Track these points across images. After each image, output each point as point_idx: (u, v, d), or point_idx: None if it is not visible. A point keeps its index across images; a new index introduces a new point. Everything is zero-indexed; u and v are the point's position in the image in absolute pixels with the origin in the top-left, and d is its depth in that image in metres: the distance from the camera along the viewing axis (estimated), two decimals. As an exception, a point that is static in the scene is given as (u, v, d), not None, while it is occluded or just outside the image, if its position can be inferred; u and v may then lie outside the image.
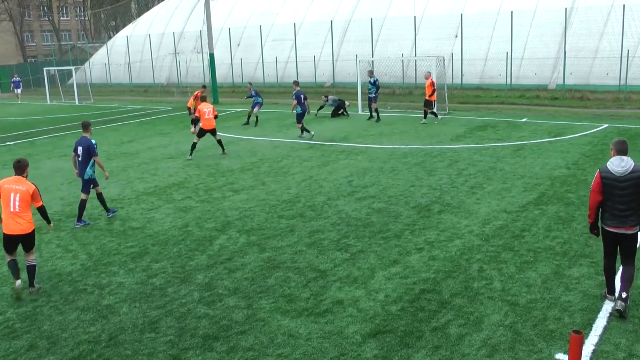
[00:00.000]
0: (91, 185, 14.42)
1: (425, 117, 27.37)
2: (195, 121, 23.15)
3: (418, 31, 42.11)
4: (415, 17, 42.09)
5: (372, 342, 8.06)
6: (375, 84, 28.47)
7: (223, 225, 13.49)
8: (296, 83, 25.74)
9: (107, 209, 14.82)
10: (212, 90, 40.59)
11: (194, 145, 21.63)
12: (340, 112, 30.79)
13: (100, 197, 14.66)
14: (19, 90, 53.89)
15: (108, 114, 32.99)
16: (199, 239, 12.68)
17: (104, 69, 62.27)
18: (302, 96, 24.63)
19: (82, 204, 14.36)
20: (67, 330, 9.08)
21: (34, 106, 46.96)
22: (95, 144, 14.20)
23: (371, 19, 43.22)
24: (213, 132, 21.55)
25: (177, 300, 9.76)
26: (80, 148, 14.21)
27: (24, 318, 9.64)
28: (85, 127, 14.47)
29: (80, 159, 14.24)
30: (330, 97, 31.72)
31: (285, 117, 30.89)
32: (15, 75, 56.67)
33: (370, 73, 28.85)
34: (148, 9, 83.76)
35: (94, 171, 14.39)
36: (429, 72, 27.65)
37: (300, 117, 24.66)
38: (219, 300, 9.66)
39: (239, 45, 51.11)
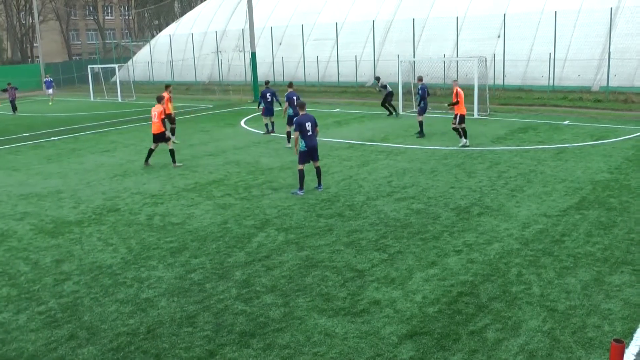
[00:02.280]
0: (305, 156, 15.87)
1: (462, 137, 21.93)
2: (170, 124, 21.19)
3: (460, 32, 41.79)
4: (457, 17, 41.77)
5: (409, 343, 8.03)
6: (422, 91, 24.81)
7: (262, 223, 13.57)
8: (290, 84, 24.66)
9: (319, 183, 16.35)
10: (253, 89, 40.83)
11: (149, 152, 20.54)
12: (388, 104, 30.09)
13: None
14: (51, 91, 50.84)
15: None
16: (237, 236, 12.77)
17: (146, 67, 63.03)
18: (294, 98, 23.00)
19: (300, 174, 15.99)
20: (106, 321, 9.24)
21: (78, 103, 47.78)
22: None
23: (413, 20, 43.02)
24: (160, 137, 20.27)
25: (214, 296, 9.85)
26: (308, 124, 15.87)
27: (65, 308, 9.84)
28: (302, 106, 16.51)
29: (310, 133, 15.81)
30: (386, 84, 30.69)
31: (326, 116, 30.90)
32: (47, 76, 54.54)
33: (420, 79, 25.78)
34: (191, 8, 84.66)
35: (304, 145, 15.76)
36: (456, 81, 24.98)
37: (291, 120, 22.59)
38: (256, 297, 9.72)
39: (280, 44, 51.31)
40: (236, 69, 52.13)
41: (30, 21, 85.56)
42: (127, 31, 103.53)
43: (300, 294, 9.71)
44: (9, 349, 8.70)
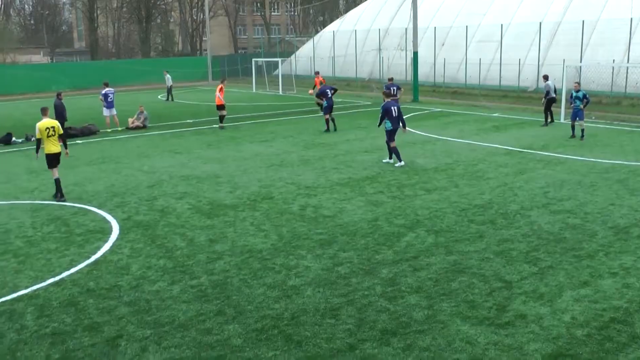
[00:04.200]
0: (391, 135, 19.45)
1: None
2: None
3: (633, 35, 39.10)
4: (631, 18, 39.11)
5: (553, 363, 7.65)
6: (585, 97, 24.49)
7: (412, 223, 13.45)
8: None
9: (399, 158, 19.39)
10: (413, 89, 40.62)
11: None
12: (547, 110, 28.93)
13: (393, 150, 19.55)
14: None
15: (309, 104, 34.07)
16: (387, 234, 12.73)
17: (308, 62, 64.28)
18: (329, 90, 27.43)
19: (394, 150, 19.58)
20: (253, 303, 9.53)
21: (240, 94, 49.57)
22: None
23: (582, 22, 40.78)
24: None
25: (359, 291, 9.87)
26: (394, 108, 19.52)
27: (215, 285, 10.26)
28: (387, 94, 20.56)
29: (396, 114, 19.47)
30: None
31: (485, 120, 30.22)
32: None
33: (577, 85, 25.50)
34: (356, 5, 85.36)
35: (390, 125, 19.39)
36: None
37: (327, 110, 27.21)
38: (401, 296, 9.64)
39: (443, 44, 50.63)
40: (396, 68, 51.99)
41: (201, 17, 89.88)
42: (291, 27, 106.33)
43: (445, 298, 9.53)
44: (162, 316, 9.21)
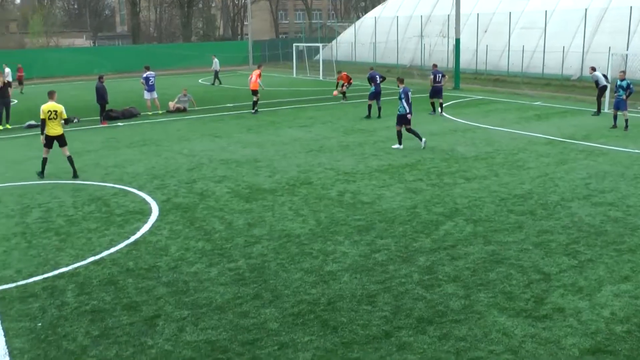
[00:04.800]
0: (401, 120, 19.96)
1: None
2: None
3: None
4: (683, 3, 37.90)
5: (590, 359, 7.52)
6: (628, 87, 23.93)
7: (451, 212, 13.33)
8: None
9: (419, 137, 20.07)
10: (455, 76, 40.20)
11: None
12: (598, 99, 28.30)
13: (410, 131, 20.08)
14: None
15: (348, 91, 33.92)
16: (425, 222, 12.64)
17: (350, 47, 64.10)
18: (378, 76, 27.96)
19: (398, 134, 20.17)
20: (290, 287, 9.56)
21: (280, 78, 49.64)
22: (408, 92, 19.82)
23: (630, 7, 39.71)
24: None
25: (396, 279, 9.83)
26: (410, 94, 19.87)
27: (252, 269, 10.31)
28: (401, 81, 20.67)
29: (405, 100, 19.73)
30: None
31: (526, 108, 29.78)
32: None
33: (623, 74, 24.90)
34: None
35: (404, 111, 19.77)
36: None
37: (372, 95, 27.69)
38: (438, 285, 9.57)
39: (485, 31, 49.98)
40: (438, 55, 51.51)
41: (243, 1, 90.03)
42: (333, 12, 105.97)
43: (483, 289, 9.43)
44: (200, 297, 9.30)
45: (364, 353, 7.65)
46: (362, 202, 14.16)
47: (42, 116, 16.94)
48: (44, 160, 17.31)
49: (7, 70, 40.94)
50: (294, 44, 56.27)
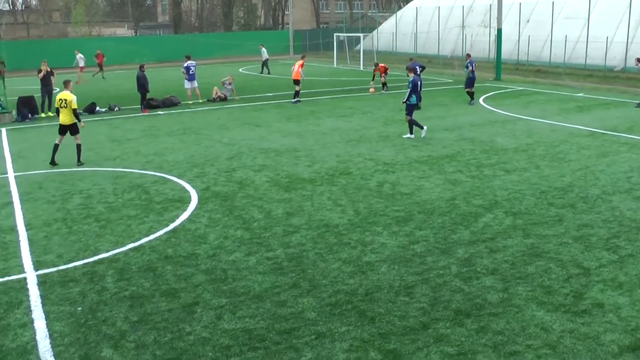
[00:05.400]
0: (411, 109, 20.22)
1: None
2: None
3: None
4: None
5: (630, 356, 7.35)
6: None
7: (490, 204, 13.19)
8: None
9: (420, 125, 20.35)
10: (496, 67, 39.71)
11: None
12: None
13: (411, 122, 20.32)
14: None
15: (390, 81, 33.76)
16: (464, 214, 12.53)
17: (390, 37, 63.74)
18: (417, 67, 27.12)
19: (412, 122, 20.31)
20: (327, 277, 9.56)
21: (320, 68, 49.57)
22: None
23: (677, -3, 38.81)
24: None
25: (434, 270, 9.77)
26: (420, 84, 20.64)
27: (291, 258, 10.34)
28: (410, 70, 21.55)
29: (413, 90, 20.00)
30: None
31: (568, 99, 29.30)
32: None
33: None
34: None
35: (415, 101, 20.33)
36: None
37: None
38: (476, 278, 9.49)
39: (528, 21, 49.23)
40: (479, 45, 50.96)
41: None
42: (374, 2, 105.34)
43: (521, 282, 9.31)
44: (238, 286, 9.37)
45: (401, 344, 7.62)
46: (401, 192, 14.09)
47: (55, 105, 17.59)
48: (55, 147, 17.75)
49: (80, 55, 42.43)
50: (335, 34, 56.14)
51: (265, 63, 46.86)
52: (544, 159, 17.21)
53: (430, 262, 10.11)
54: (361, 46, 51.14)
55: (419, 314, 8.34)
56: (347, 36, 56.94)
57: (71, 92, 17.53)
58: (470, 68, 28.10)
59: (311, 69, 45.28)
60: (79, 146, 17.66)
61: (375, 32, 66.53)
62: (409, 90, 20.05)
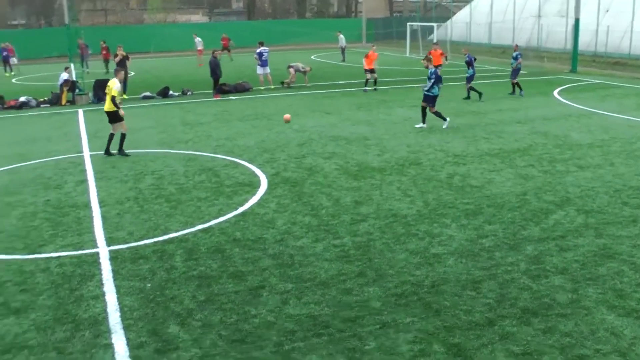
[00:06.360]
0: (432, 100, 20.30)
1: None
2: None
3: None
4: None
5: None
6: None
7: (562, 201, 12.91)
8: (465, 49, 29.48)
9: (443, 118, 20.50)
10: (572, 58, 38.72)
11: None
12: None
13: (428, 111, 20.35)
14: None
15: (460, 72, 33.30)
16: (534, 210, 12.31)
17: (465, 27, 62.82)
18: (473, 59, 27.01)
19: (436, 113, 20.37)
20: (394, 267, 9.56)
21: (393, 57, 49.31)
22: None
23: None
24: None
25: (502, 266, 9.64)
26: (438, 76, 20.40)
27: (358, 247, 10.37)
28: (430, 60, 21.61)
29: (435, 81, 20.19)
30: None
31: (631, 95, 28.40)
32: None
33: None
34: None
35: (438, 92, 20.35)
36: None
37: (470, 79, 26.91)
38: (545, 276, 9.30)
39: (607, 11, 47.70)
40: (556, 35, 49.71)
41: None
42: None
43: (592, 284, 9.06)
44: (305, 271, 9.47)
45: (466, 339, 7.57)
46: (471, 185, 13.93)
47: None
48: (110, 136, 17.24)
49: (198, 39, 44.19)
50: (408, 23, 55.67)
51: (343, 50, 47.54)
52: (620, 156, 16.72)
53: (498, 257, 9.99)
54: (434, 36, 50.55)
55: (485, 310, 8.26)
56: (420, 25, 56.38)
57: (121, 81, 17.54)
58: (519, 59, 27.71)
59: (384, 58, 45.00)
60: (111, 136, 17.10)
61: (449, 21, 65.67)
62: (431, 81, 20.21)
